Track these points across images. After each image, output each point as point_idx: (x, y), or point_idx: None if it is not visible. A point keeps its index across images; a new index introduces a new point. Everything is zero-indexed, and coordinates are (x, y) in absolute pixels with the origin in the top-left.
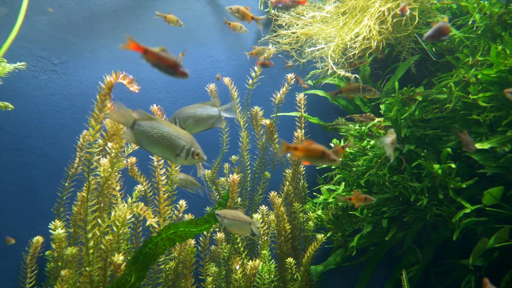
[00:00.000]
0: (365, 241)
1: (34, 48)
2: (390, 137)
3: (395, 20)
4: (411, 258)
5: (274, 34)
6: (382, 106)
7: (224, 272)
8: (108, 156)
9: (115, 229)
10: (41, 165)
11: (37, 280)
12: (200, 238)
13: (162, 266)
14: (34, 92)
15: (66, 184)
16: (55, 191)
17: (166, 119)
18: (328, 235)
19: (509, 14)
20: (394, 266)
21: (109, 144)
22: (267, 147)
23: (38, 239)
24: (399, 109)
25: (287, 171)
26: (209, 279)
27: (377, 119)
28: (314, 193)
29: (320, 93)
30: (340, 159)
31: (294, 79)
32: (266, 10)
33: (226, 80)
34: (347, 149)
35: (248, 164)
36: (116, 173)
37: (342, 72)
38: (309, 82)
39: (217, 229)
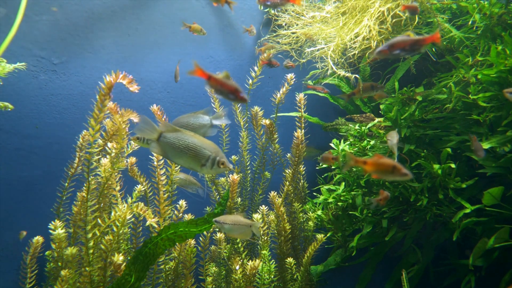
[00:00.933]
0: (365, 241)
1: (34, 48)
2: (395, 138)
3: (394, 20)
4: (411, 258)
5: (274, 34)
6: (382, 106)
7: (224, 272)
8: (108, 156)
9: (115, 229)
10: (41, 165)
11: (37, 280)
12: (200, 238)
13: (162, 266)
14: (34, 92)
15: (66, 184)
16: (55, 191)
17: (166, 119)
18: (328, 235)
19: (509, 14)
20: (394, 266)
21: (109, 144)
22: (267, 147)
23: (38, 239)
24: (399, 109)
25: (287, 171)
26: (209, 279)
27: (377, 119)
28: (314, 193)
29: (320, 93)
30: (340, 159)
31: (294, 79)
32: (266, 10)
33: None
34: (346, 149)
35: (248, 164)
36: (116, 173)
37: (342, 72)
38: (309, 82)
39: (217, 229)
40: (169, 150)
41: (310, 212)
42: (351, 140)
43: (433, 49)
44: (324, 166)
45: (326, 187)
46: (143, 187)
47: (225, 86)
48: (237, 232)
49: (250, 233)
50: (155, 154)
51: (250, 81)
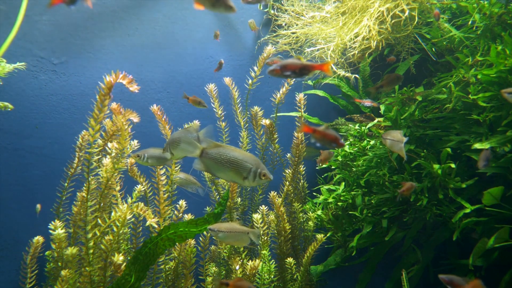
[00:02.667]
0: (365, 241)
1: (34, 48)
2: (402, 138)
3: (394, 20)
4: (411, 258)
5: (274, 34)
6: (382, 106)
7: (224, 272)
8: (108, 156)
9: (115, 229)
10: (41, 165)
11: (37, 280)
12: (200, 238)
13: (162, 266)
14: (34, 92)
15: (66, 184)
16: (54, 191)
17: (167, 119)
18: (328, 235)
19: (509, 14)
20: (394, 266)
21: (109, 144)
22: (267, 147)
23: (39, 239)
24: (399, 109)
25: (287, 171)
26: (209, 279)
27: (377, 119)
28: (314, 193)
29: (320, 93)
30: (340, 159)
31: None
32: (266, 10)
33: (227, 80)
34: (346, 149)
35: None
36: (116, 173)
37: (342, 72)
38: (309, 82)
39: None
40: (211, 165)
41: (310, 212)
42: (351, 140)
43: (433, 49)
44: (324, 166)
45: (326, 187)
46: (143, 187)
47: (328, 136)
48: (233, 239)
49: (247, 240)
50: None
51: (250, 81)
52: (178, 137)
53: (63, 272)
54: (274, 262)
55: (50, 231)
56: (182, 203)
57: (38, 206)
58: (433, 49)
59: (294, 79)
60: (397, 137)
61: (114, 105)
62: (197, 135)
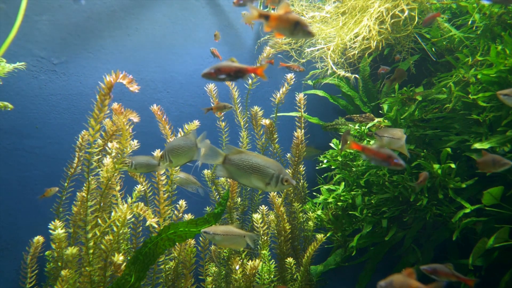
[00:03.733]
0: (365, 241)
1: (34, 48)
2: (402, 136)
3: (394, 20)
4: (410, 258)
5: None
6: (384, 106)
7: (224, 272)
8: (108, 156)
9: (115, 229)
10: (41, 165)
11: (37, 280)
12: (200, 238)
13: (162, 266)
14: (34, 92)
15: (66, 184)
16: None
17: (166, 119)
18: (328, 235)
19: (509, 14)
20: (394, 266)
21: (109, 144)
22: (267, 147)
23: (39, 239)
24: (399, 109)
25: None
26: (209, 279)
27: (376, 119)
28: (314, 193)
29: (320, 93)
30: (340, 159)
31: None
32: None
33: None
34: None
35: None
36: (117, 173)
37: (341, 72)
38: (309, 82)
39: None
40: (234, 172)
41: (310, 212)
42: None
43: (433, 49)
44: (324, 166)
45: (326, 187)
46: (143, 187)
47: (379, 154)
48: (229, 242)
49: (243, 243)
50: (155, 154)
51: (250, 81)
52: (178, 144)
53: (63, 272)
54: (274, 262)
55: (50, 231)
56: (182, 203)
57: (50, 190)
58: (433, 49)
59: (294, 79)
60: (397, 134)
61: (115, 105)
62: (196, 142)
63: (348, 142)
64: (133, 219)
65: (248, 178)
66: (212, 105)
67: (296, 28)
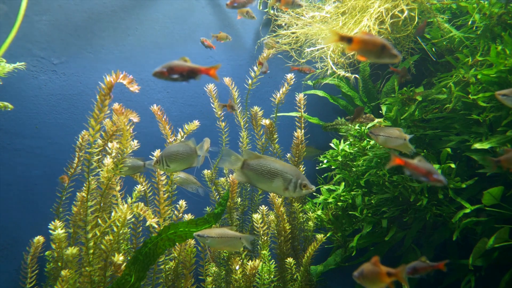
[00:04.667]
0: (365, 241)
1: (34, 48)
2: (405, 135)
3: (394, 20)
4: (410, 258)
5: (274, 34)
6: (383, 107)
7: (224, 272)
8: (109, 157)
9: (115, 229)
10: (41, 165)
11: (37, 280)
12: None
13: (162, 266)
14: (34, 92)
15: (66, 184)
16: (54, 191)
17: (167, 119)
18: (328, 235)
19: (509, 14)
20: (394, 266)
21: (109, 144)
22: (267, 147)
23: (39, 239)
24: (399, 109)
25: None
26: (209, 279)
27: (376, 120)
28: (314, 193)
29: (320, 93)
30: (340, 159)
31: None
32: (266, 10)
33: (226, 80)
34: (346, 149)
35: None
36: (117, 173)
37: (341, 72)
38: (309, 82)
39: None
40: (252, 176)
41: (310, 212)
42: (351, 140)
43: (433, 49)
44: (324, 166)
45: (326, 187)
46: (143, 187)
47: (418, 169)
48: (224, 245)
49: (239, 246)
50: (155, 154)
51: (250, 81)
52: (177, 150)
53: (63, 272)
54: (274, 262)
55: (50, 231)
56: (182, 203)
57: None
58: (433, 49)
59: (294, 79)
60: (394, 133)
61: (116, 105)
62: (195, 149)
63: (392, 158)
64: (133, 219)
65: (266, 183)
66: (213, 105)
67: (383, 51)
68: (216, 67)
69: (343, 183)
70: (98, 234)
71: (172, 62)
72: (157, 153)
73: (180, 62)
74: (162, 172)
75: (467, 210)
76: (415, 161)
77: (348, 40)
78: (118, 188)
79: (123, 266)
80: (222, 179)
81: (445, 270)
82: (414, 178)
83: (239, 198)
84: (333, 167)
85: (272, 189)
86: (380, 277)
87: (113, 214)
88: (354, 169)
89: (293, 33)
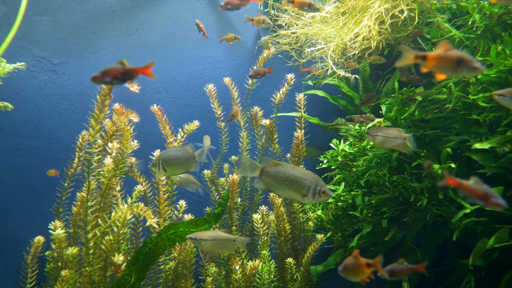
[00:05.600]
0: (365, 241)
1: (34, 48)
2: (406, 134)
3: (394, 20)
4: (411, 258)
5: (274, 34)
6: (383, 107)
7: (224, 272)
8: (109, 157)
9: (115, 229)
10: (41, 165)
11: (37, 280)
12: None
13: (162, 267)
14: (34, 92)
15: (66, 184)
16: (55, 191)
17: (167, 119)
18: (328, 235)
19: (509, 14)
20: None
21: (110, 145)
22: (267, 147)
23: (39, 239)
24: (399, 109)
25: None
26: (209, 279)
27: (376, 120)
28: None
29: (320, 93)
30: (340, 160)
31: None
32: (266, 10)
33: (226, 80)
34: (346, 149)
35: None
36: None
37: (342, 72)
38: (309, 82)
39: (217, 230)
40: (271, 183)
41: (310, 212)
42: (351, 140)
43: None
44: (324, 166)
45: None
46: (143, 187)
47: (474, 192)
48: (217, 248)
49: (233, 248)
50: (155, 154)
51: (250, 81)
52: (175, 155)
53: (63, 272)
54: (274, 262)
55: (50, 231)
56: (182, 203)
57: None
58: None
59: (294, 79)
60: (393, 133)
61: (116, 105)
62: (194, 155)
63: (445, 177)
64: (133, 219)
65: (285, 190)
66: (212, 105)
67: (460, 65)
68: (150, 64)
69: (343, 183)
70: (98, 234)
71: (107, 67)
72: (157, 153)
73: (114, 66)
74: None
75: (467, 210)
76: (471, 182)
77: (422, 58)
78: (118, 188)
79: (123, 266)
80: (222, 179)
81: (426, 274)
82: (468, 202)
83: (239, 198)
84: (333, 167)
85: (291, 196)
86: (361, 268)
87: (113, 214)
88: (354, 169)
89: (293, 33)
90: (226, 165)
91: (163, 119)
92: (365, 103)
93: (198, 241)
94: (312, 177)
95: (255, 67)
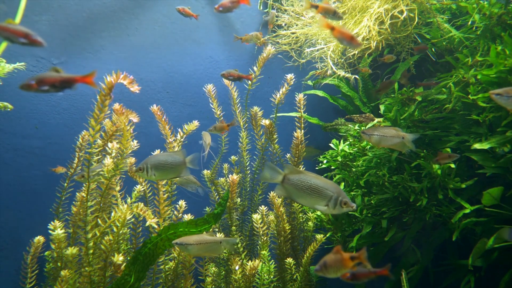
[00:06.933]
0: (364, 242)
1: (34, 48)
2: (395, 133)
3: (393, 21)
4: (410, 258)
5: (274, 35)
6: (381, 107)
7: (223, 272)
8: (108, 157)
9: (115, 229)
10: (41, 165)
11: (37, 280)
12: None
13: (162, 267)
14: (34, 92)
15: (65, 184)
16: (54, 191)
17: (166, 119)
18: (327, 235)
19: (509, 14)
20: (394, 266)
21: (109, 145)
22: (266, 148)
23: (40, 239)
24: (399, 110)
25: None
26: (209, 279)
27: (376, 120)
28: None
29: (320, 93)
30: (340, 160)
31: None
32: (266, 10)
33: (226, 80)
34: (346, 149)
35: (247, 164)
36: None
37: (341, 73)
38: (309, 82)
39: (217, 230)
40: (292, 191)
41: (310, 212)
42: (350, 140)
43: (433, 49)
44: (324, 166)
45: None
46: (143, 187)
47: None
48: (203, 251)
49: (220, 250)
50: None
51: (250, 81)
52: (165, 160)
53: (63, 272)
54: (273, 263)
55: (50, 231)
56: (182, 203)
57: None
58: (433, 50)
59: (294, 79)
60: (390, 133)
61: (116, 105)
62: (185, 160)
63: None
64: (133, 220)
65: (307, 198)
66: (212, 105)
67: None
68: (92, 74)
69: (343, 183)
70: (98, 234)
71: (42, 74)
72: (156, 153)
73: (51, 73)
74: None
75: (467, 211)
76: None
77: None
78: (118, 188)
79: (122, 266)
80: (222, 179)
81: (391, 277)
82: None
83: (239, 198)
84: (332, 167)
85: (312, 205)
86: (344, 262)
87: (113, 214)
88: (353, 169)
89: (293, 33)
90: (225, 166)
91: (163, 119)
92: (381, 91)
93: (184, 246)
94: (334, 187)
95: (254, 68)
